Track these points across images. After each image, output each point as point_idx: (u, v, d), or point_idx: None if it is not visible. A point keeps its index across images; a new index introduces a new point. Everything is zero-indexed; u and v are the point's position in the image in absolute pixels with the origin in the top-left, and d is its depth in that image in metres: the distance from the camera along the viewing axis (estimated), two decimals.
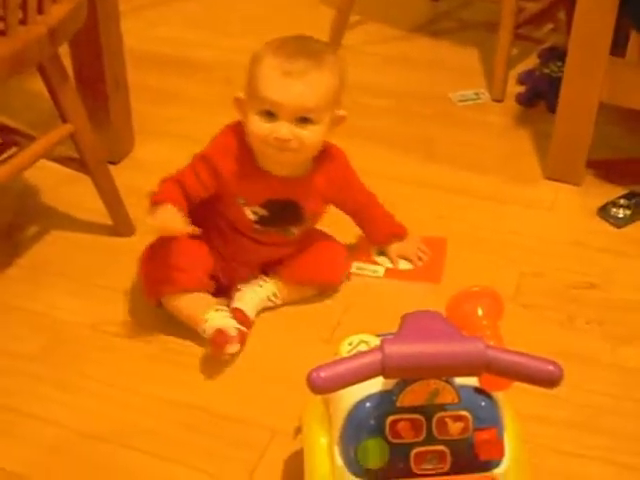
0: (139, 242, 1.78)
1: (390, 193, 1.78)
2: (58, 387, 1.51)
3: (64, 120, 1.64)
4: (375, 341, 1.10)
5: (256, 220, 1.54)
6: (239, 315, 1.54)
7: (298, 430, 1.24)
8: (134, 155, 2.05)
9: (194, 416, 1.45)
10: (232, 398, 1.49)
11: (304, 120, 1.41)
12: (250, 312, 1.56)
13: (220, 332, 1.47)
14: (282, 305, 1.64)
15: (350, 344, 1.10)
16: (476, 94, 2.33)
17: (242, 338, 1.50)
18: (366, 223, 1.71)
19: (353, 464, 1.00)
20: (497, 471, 1.01)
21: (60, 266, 1.76)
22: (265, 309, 1.63)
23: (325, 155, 1.54)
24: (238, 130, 1.51)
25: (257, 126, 1.43)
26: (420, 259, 1.74)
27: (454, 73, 2.41)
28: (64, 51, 1.64)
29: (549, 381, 0.94)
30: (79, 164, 1.73)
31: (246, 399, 1.49)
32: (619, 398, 1.50)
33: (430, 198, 1.90)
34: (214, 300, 1.57)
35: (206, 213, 1.55)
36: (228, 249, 1.59)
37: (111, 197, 1.78)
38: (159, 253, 1.55)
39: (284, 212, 1.55)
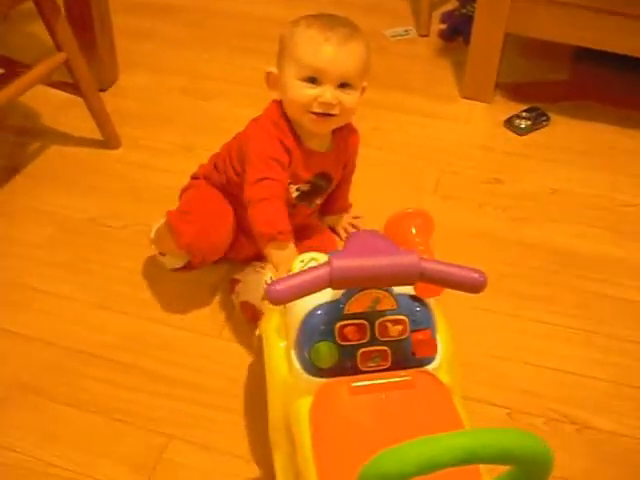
0: (125, 154, 1.84)
1: None
2: (65, 269, 1.54)
3: (59, 49, 1.65)
4: (324, 258, 1.02)
5: (297, 196, 1.37)
6: (250, 311, 1.41)
7: (259, 338, 1.18)
8: (119, 84, 2.06)
9: (178, 285, 1.51)
10: (210, 280, 1.53)
11: (345, 85, 1.26)
12: (259, 305, 1.38)
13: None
14: None
15: (302, 262, 1.05)
16: (406, 31, 2.35)
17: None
18: (337, 192, 1.52)
19: (308, 365, 0.98)
20: (431, 366, 0.99)
21: (60, 173, 1.77)
22: None
23: (344, 126, 1.38)
24: (278, 112, 1.31)
25: (300, 93, 1.24)
26: (346, 231, 1.60)
27: (388, 14, 2.42)
28: None
29: (474, 287, 0.92)
30: (73, 88, 1.74)
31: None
32: (519, 266, 1.58)
33: (368, 114, 1.95)
34: None
35: (231, 190, 1.40)
36: (246, 222, 1.32)
37: (101, 117, 1.80)
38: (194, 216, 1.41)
39: (321, 185, 1.40)
